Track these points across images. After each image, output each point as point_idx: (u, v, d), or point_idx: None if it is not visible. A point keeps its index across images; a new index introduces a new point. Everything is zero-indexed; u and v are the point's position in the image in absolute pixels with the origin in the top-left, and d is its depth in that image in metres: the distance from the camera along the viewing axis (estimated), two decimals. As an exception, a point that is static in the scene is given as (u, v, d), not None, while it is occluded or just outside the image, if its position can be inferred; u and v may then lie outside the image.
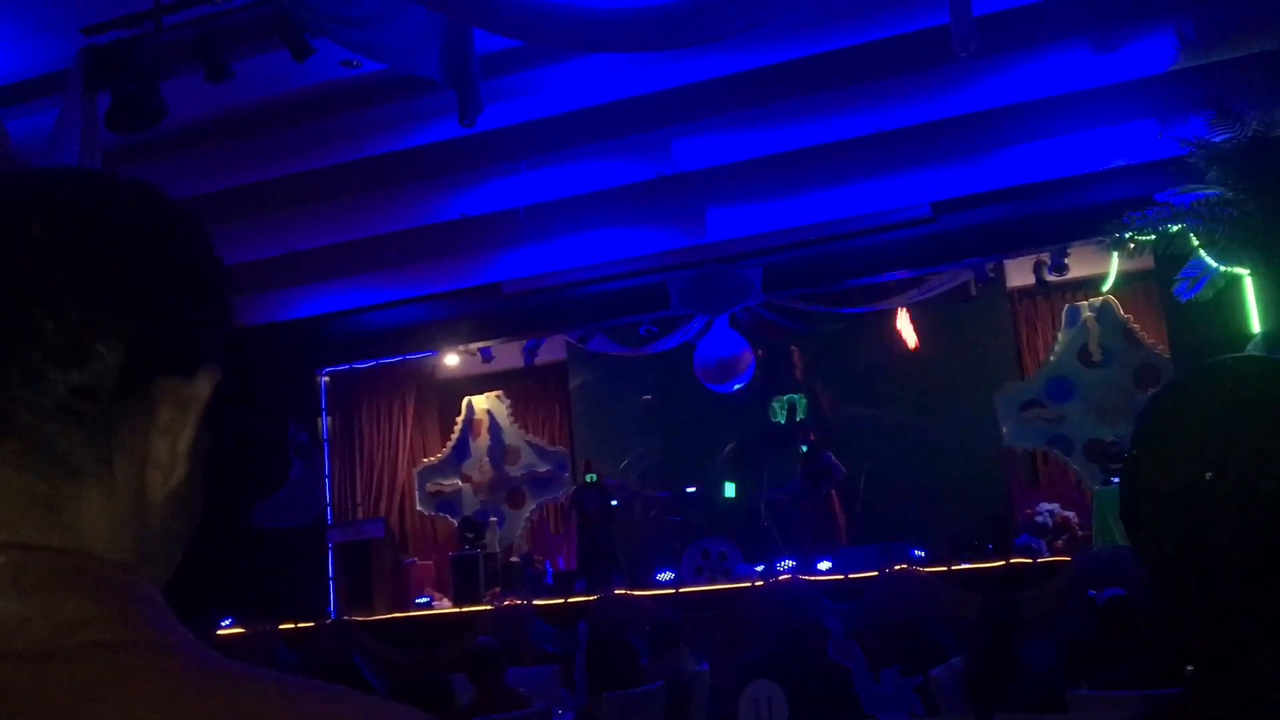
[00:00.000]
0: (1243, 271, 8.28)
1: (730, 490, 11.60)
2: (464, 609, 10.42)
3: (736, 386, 11.24)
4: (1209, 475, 0.84)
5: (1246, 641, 0.82)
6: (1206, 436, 0.86)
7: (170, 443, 0.64)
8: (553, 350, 12.49)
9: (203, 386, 0.66)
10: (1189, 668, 0.85)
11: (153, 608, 0.62)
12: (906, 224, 10.03)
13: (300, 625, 10.26)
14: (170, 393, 0.64)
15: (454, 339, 11.93)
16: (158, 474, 0.64)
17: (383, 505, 12.66)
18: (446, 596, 11.20)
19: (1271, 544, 0.81)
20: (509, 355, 12.22)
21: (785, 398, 11.48)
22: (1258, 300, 8.37)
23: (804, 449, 10.84)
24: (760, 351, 11.31)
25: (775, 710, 2.78)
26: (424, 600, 11.10)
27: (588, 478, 11.32)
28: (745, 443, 11.77)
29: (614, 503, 11.33)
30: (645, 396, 12.39)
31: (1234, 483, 0.83)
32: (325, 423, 12.33)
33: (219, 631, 10.08)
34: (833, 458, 10.76)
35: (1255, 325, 8.39)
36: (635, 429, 12.53)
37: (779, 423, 11.49)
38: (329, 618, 10.77)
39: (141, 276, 0.63)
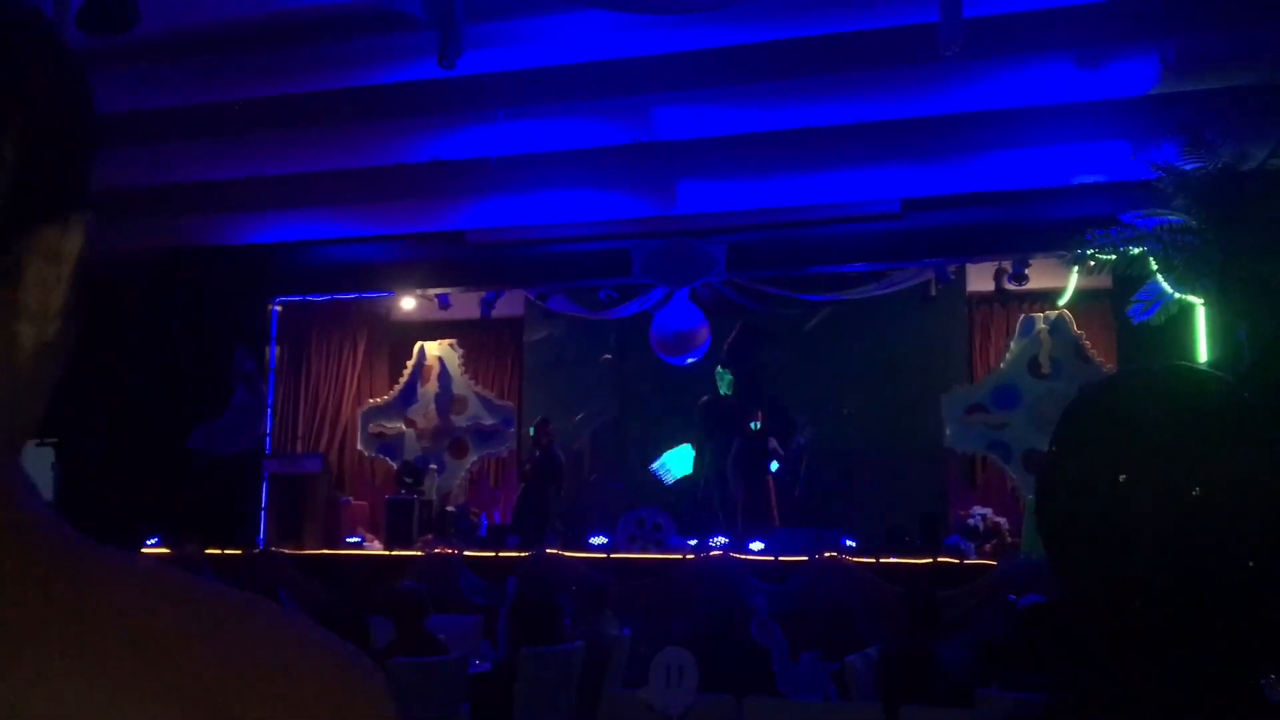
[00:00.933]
0: (1196, 300, 8.42)
1: (687, 461, 11.57)
2: (394, 552, 10.40)
3: (690, 360, 11.26)
4: (1122, 477, 0.85)
5: (1145, 643, 0.83)
6: (1124, 439, 0.87)
7: (42, 295, 0.59)
8: (510, 305, 12.42)
9: (76, 236, 0.61)
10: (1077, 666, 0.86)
11: (18, 482, 0.59)
12: (875, 217, 10.09)
13: (228, 552, 10.20)
14: (42, 241, 0.59)
15: (412, 282, 11.83)
16: (29, 326, 0.59)
17: (323, 441, 12.57)
18: (378, 538, 11.17)
19: (1179, 548, 0.82)
20: (466, 305, 12.13)
21: (721, 372, 11.47)
22: (1208, 330, 8.52)
23: (755, 426, 10.88)
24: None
25: (685, 678, 2.82)
26: (355, 540, 11.07)
27: (530, 432, 11.31)
28: (705, 408, 11.70)
29: (558, 462, 11.32)
30: (605, 356, 12.32)
31: (1146, 486, 0.84)
32: (273, 352, 12.21)
33: (143, 549, 9.98)
34: (775, 442, 10.83)
35: (1203, 354, 8.54)
36: (589, 389, 12.48)
37: (726, 395, 11.48)
38: (258, 547, 10.70)
39: (16, 108, 0.57)
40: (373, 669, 0.61)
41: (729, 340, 11.74)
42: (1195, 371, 0.92)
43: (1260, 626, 0.82)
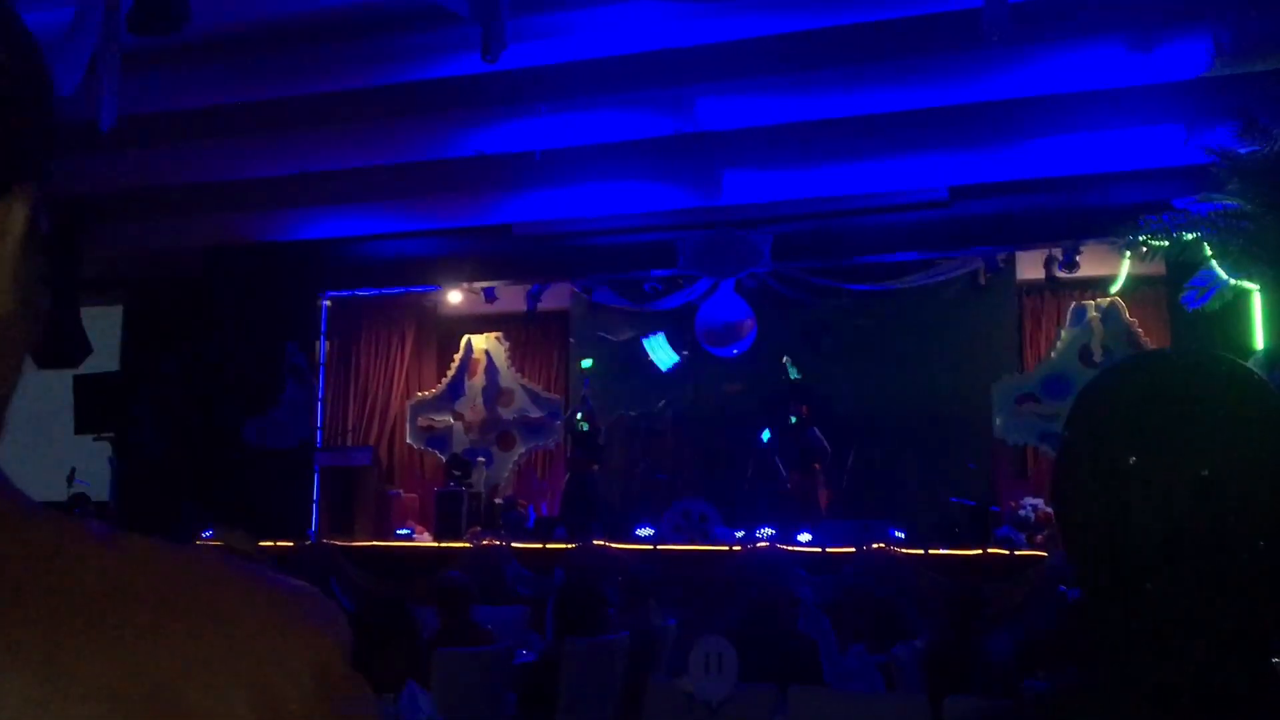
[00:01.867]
0: (1252, 286, 8.25)
1: (662, 352, 11.49)
2: (443, 544, 10.49)
3: (736, 351, 11.23)
4: (1133, 459, 0.84)
5: (1157, 632, 0.82)
6: (1136, 423, 0.86)
7: None
8: (556, 298, 12.46)
9: (20, 210, 0.58)
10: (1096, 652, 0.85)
11: None
12: (921, 205, 9.98)
13: (280, 544, 10.34)
14: None
15: (459, 276, 11.91)
16: None
17: (373, 434, 12.71)
18: (428, 530, 11.27)
19: (1189, 531, 0.81)
20: (512, 298, 12.19)
21: (787, 359, 11.35)
22: (1264, 316, 8.34)
23: (793, 420, 10.84)
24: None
25: (725, 666, 2.82)
26: (405, 531, 11.18)
27: (579, 426, 11.35)
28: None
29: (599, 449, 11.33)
30: (683, 352, 12.14)
31: (1157, 468, 0.83)
32: (323, 346, 12.36)
33: (197, 542, 10.15)
34: (818, 433, 10.76)
35: (1259, 341, 8.37)
36: (640, 382, 12.37)
37: (796, 379, 11.32)
38: (309, 539, 10.84)
39: None
40: (319, 597, 0.61)
41: (787, 376, 11.61)
42: (1208, 355, 0.91)
43: (1270, 611, 0.81)
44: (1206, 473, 0.81)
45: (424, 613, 5.97)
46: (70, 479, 10.37)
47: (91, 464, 10.78)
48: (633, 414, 12.12)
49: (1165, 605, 0.82)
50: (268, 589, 0.60)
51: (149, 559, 0.58)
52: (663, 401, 12.01)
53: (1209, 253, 8.25)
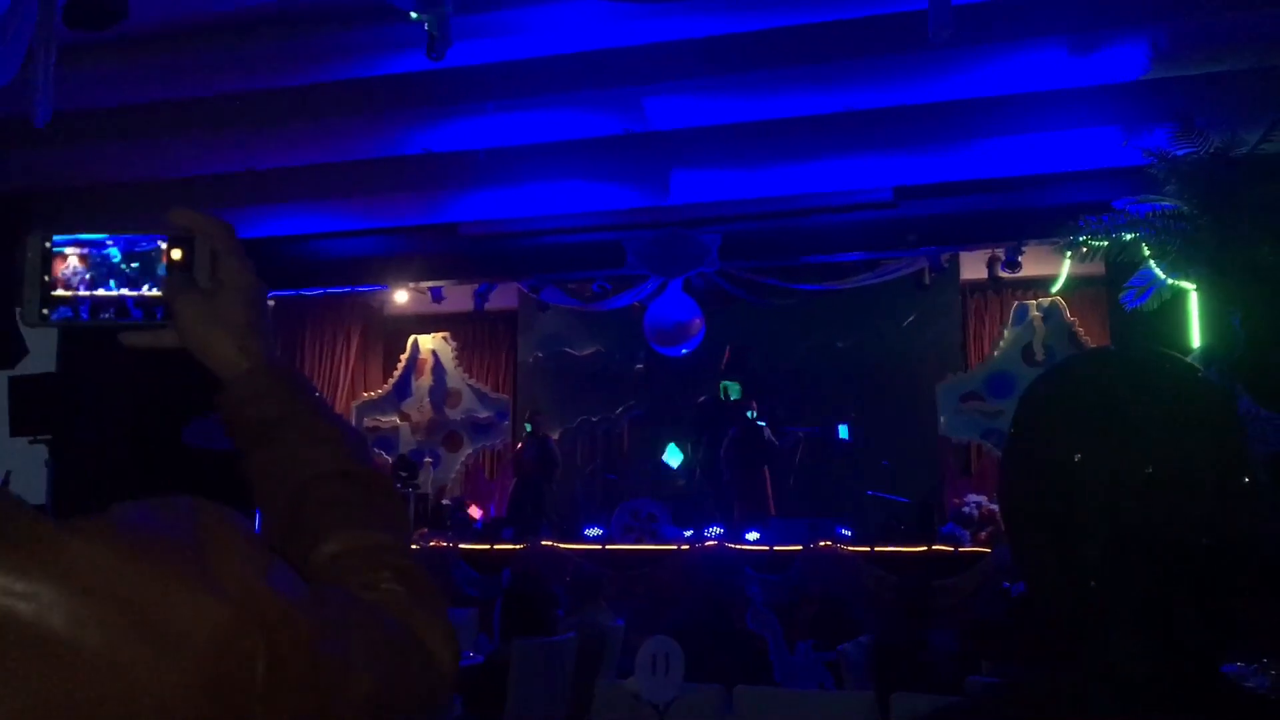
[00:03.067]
0: (1189, 286, 8.41)
1: (674, 456, 11.64)
2: (390, 546, 10.38)
3: (685, 350, 11.25)
4: (1077, 457, 0.84)
5: (1103, 629, 0.82)
6: (1080, 421, 0.86)
7: None
8: (504, 297, 12.41)
9: None
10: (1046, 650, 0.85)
11: None
12: (868, 206, 10.05)
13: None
14: None
15: (405, 276, 11.80)
16: None
17: (319, 436, 12.56)
18: (374, 532, 11.15)
19: (1133, 528, 0.82)
20: (459, 297, 12.12)
21: (725, 383, 11.52)
22: (1200, 315, 8.51)
23: (750, 414, 10.89)
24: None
25: (672, 667, 2.81)
26: (351, 534, 11.04)
27: (526, 427, 11.31)
28: (700, 407, 11.74)
29: (552, 454, 11.35)
30: (638, 366, 12.33)
31: (1101, 465, 0.83)
32: (267, 347, 12.17)
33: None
34: (769, 432, 10.84)
35: (1195, 339, 8.54)
36: (582, 385, 12.48)
37: (725, 399, 11.52)
38: (253, 543, 10.67)
39: None
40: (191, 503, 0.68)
41: (723, 363, 11.77)
42: (1152, 351, 0.91)
43: (1216, 607, 0.81)
44: (1151, 470, 0.82)
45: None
46: (5, 482, 10.13)
47: (27, 467, 10.53)
48: (594, 419, 12.23)
49: (1111, 602, 0.82)
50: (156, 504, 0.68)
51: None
52: (620, 408, 12.12)
53: (1147, 253, 8.40)
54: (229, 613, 0.64)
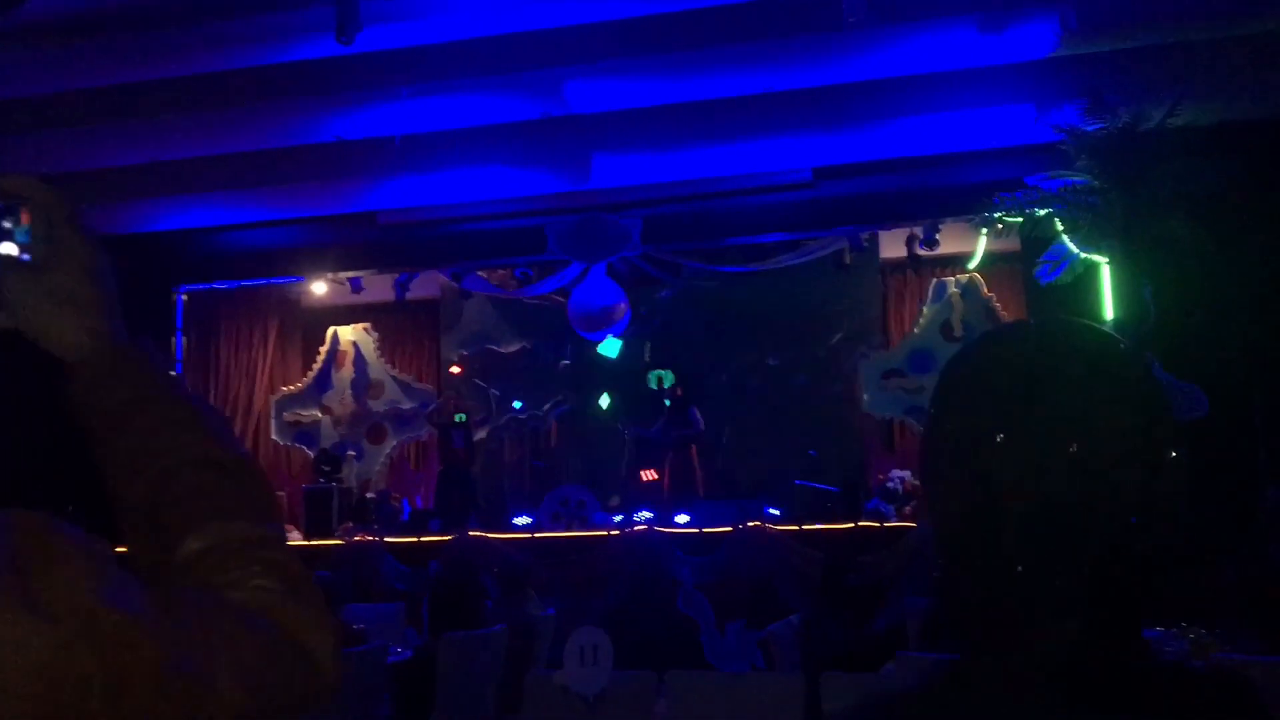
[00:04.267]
0: (1101, 259, 8.57)
1: (605, 401, 11.57)
2: (314, 542, 10.21)
3: (609, 336, 11.21)
4: (1000, 437, 0.81)
5: (1027, 612, 0.80)
6: (1000, 398, 0.82)
7: None
8: (426, 286, 12.25)
9: None
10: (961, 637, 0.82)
11: None
12: (788, 187, 10.09)
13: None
14: None
15: (323, 266, 11.57)
16: None
17: (236, 431, 12.27)
18: (297, 529, 10.95)
19: (1059, 508, 0.79)
20: (380, 288, 11.93)
21: (656, 372, 11.49)
22: (1113, 288, 8.69)
23: (667, 402, 10.91)
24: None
25: (601, 657, 2.77)
26: (274, 531, 10.84)
27: (456, 417, 11.19)
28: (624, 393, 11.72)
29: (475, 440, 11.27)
30: (564, 363, 12.26)
31: (1025, 447, 0.80)
32: (180, 343, 11.86)
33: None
34: (696, 412, 10.86)
35: (1109, 312, 8.72)
36: (528, 384, 12.44)
37: (651, 388, 11.51)
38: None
39: None
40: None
41: (645, 356, 11.75)
42: (1073, 324, 0.88)
43: (1144, 587, 0.79)
44: (1076, 449, 0.79)
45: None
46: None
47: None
48: (522, 416, 12.16)
49: (1035, 588, 0.80)
50: None
51: None
52: (549, 404, 12.09)
53: (1060, 228, 8.55)
54: (57, 636, 0.58)
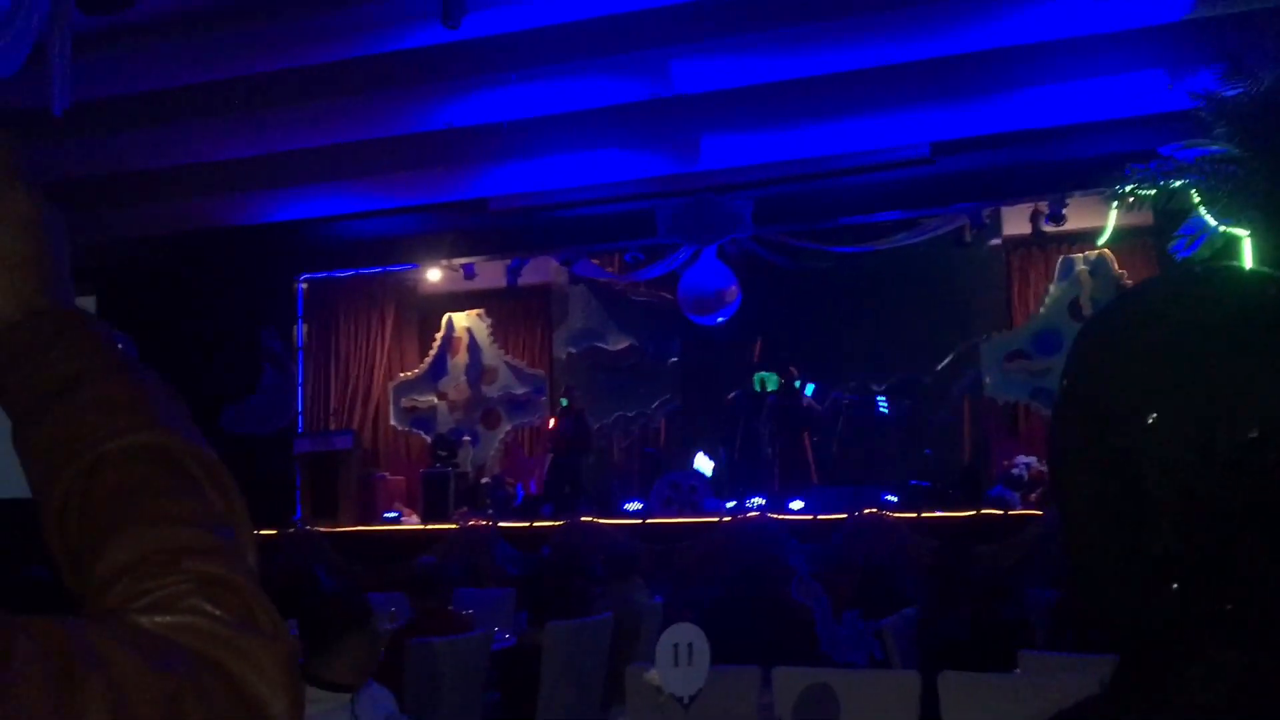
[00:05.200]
0: (1242, 232, 8.07)
1: (705, 464, 11.29)
2: (430, 526, 10.33)
3: (720, 319, 11.05)
4: (1151, 418, 0.63)
5: (1184, 638, 0.64)
6: (1156, 366, 0.64)
7: None
8: (537, 272, 12.28)
9: None
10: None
11: None
12: (904, 164, 9.78)
13: (263, 532, 10.16)
14: None
15: (436, 253, 11.70)
16: None
17: (356, 417, 12.52)
18: (415, 513, 11.11)
19: (1225, 512, 0.61)
20: (492, 273, 12.00)
21: (760, 374, 11.25)
22: (1255, 263, 8.18)
23: (795, 383, 10.66)
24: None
25: (696, 656, 2.64)
26: (392, 515, 11.02)
27: (562, 402, 11.20)
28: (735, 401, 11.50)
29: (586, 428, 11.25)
30: (672, 359, 12.22)
31: (1182, 427, 0.62)
32: (301, 330, 12.14)
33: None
34: (812, 398, 10.64)
35: (1250, 289, 8.22)
36: (634, 382, 12.42)
37: (761, 391, 11.29)
38: (294, 526, 10.67)
39: None
40: None
41: (755, 355, 11.49)
42: (1248, 273, 0.69)
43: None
44: (1256, 434, 0.61)
45: (387, 599, 5.83)
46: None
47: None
48: (630, 415, 12.15)
49: (1197, 609, 0.63)
50: None
51: None
52: (656, 402, 12.05)
53: (1197, 200, 8.08)
54: None
